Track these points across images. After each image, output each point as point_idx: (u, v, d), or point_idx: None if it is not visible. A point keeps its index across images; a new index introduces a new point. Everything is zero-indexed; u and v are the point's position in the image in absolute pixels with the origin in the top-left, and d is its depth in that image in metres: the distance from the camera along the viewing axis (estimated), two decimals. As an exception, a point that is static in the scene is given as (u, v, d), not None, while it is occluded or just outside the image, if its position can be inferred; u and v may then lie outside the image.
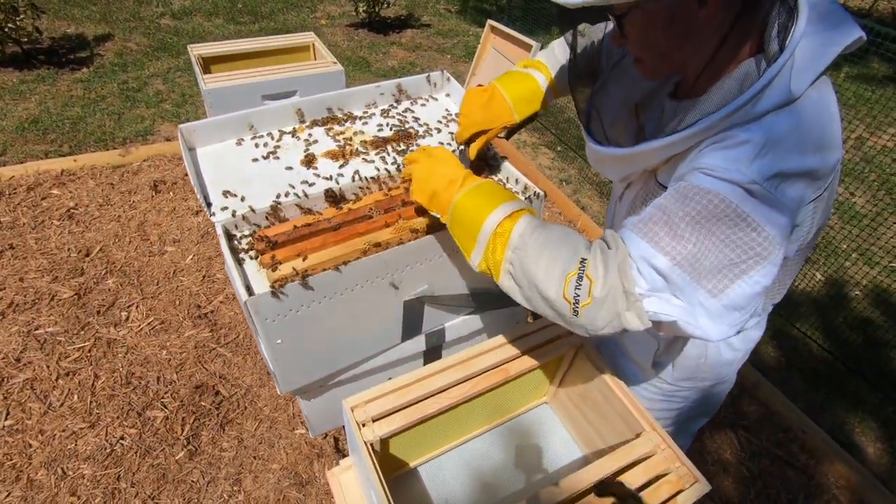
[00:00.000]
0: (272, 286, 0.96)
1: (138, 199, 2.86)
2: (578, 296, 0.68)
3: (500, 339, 1.09)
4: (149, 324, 2.23)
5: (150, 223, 2.71)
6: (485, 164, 1.30)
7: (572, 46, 0.88)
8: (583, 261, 0.69)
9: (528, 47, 3.39)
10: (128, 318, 2.25)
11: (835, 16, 0.72)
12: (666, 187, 0.83)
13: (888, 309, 2.73)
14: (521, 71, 1.13)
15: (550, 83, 1.12)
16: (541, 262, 0.71)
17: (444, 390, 1.12)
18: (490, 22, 3.69)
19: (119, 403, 1.94)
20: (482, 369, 1.16)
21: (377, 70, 4.41)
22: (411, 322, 1.23)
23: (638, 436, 1.02)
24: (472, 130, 1.11)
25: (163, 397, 1.98)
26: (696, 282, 0.65)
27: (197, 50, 2.35)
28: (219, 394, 2.02)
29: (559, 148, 3.77)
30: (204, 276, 2.47)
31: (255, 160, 1.20)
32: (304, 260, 1.02)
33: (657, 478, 0.96)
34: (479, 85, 1.17)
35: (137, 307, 2.30)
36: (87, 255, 2.50)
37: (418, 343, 1.30)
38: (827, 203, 0.77)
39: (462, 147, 1.16)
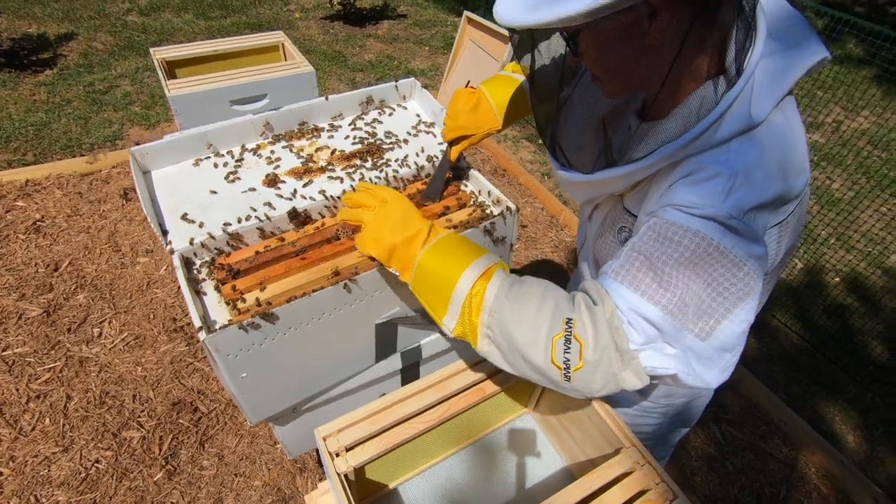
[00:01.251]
0: (234, 321, 0.92)
1: (108, 208, 2.77)
2: (569, 360, 0.63)
3: (476, 356, 1.07)
4: (122, 340, 2.17)
5: (121, 233, 2.63)
6: (459, 172, 1.26)
7: (530, 68, 0.84)
8: (568, 321, 0.64)
9: (506, 39, 3.33)
10: (100, 335, 2.19)
11: (799, 32, 0.69)
12: (632, 213, 0.81)
13: (865, 294, 2.76)
14: (510, 76, 1.11)
15: None
16: (522, 325, 0.66)
17: (418, 414, 1.10)
18: (467, 14, 3.62)
19: (93, 425, 1.89)
20: (457, 390, 1.13)
21: (354, 64, 4.32)
22: (385, 343, 1.20)
23: (618, 451, 1.01)
24: (457, 134, 1.10)
25: (139, 416, 1.94)
26: (684, 327, 0.62)
27: (160, 54, 2.26)
28: (197, 410, 1.97)
29: (540, 141, 3.73)
30: (179, 288, 2.40)
31: (215, 182, 1.15)
32: (265, 290, 0.98)
33: (637, 495, 0.96)
34: (469, 85, 1.17)
35: (110, 323, 2.23)
36: (56, 270, 2.42)
37: (394, 362, 1.27)
38: (794, 227, 0.74)
39: (446, 146, 1.16)
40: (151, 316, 2.27)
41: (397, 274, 0.80)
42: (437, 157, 1.25)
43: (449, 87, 3.76)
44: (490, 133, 1.11)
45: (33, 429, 1.87)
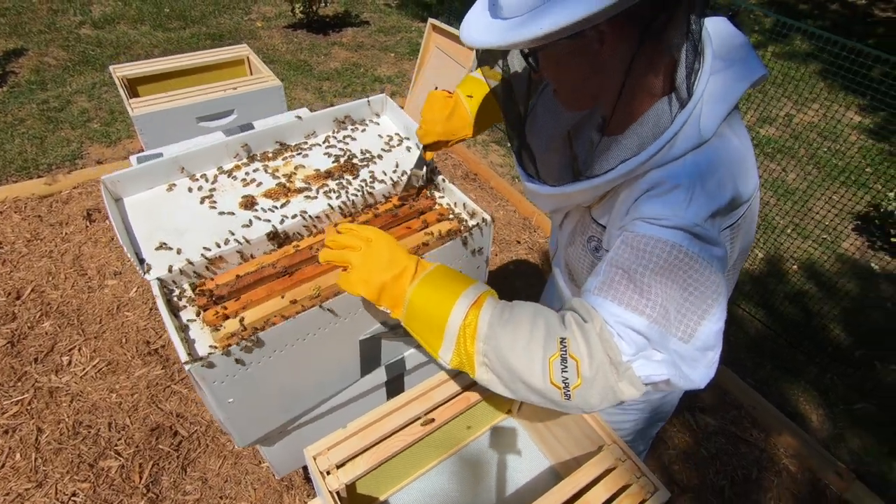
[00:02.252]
0: (218, 347, 0.92)
1: (71, 230, 2.68)
2: (567, 378, 0.65)
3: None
4: (94, 366, 2.11)
5: (86, 256, 2.55)
6: (433, 186, 1.29)
7: (500, 82, 0.88)
8: (562, 340, 0.66)
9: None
10: (70, 363, 2.12)
11: (742, 51, 0.75)
12: (599, 223, 0.85)
13: (820, 279, 2.92)
14: (481, 79, 1.13)
15: None
16: (517, 349, 0.67)
17: (406, 426, 1.12)
18: (431, 21, 3.65)
19: (68, 457, 1.83)
20: (443, 400, 1.15)
21: (320, 73, 4.29)
22: (369, 358, 1.21)
23: (600, 449, 1.05)
24: (432, 139, 1.13)
25: (116, 445, 1.89)
26: (668, 332, 0.66)
27: (120, 71, 2.21)
28: (177, 434, 1.94)
29: (509, 145, 3.79)
30: (151, 309, 2.35)
31: (190, 206, 1.14)
32: (249, 313, 0.98)
33: (621, 490, 1.00)
34: (446, 91, 1.18)
35: (80, 350, 2.16)
36: (19, 298, 2.33)
37: (379, 375, 1.29)
38: (746, 229, 0.80)
39: (422, 148, 1.18)
40: (123, 340, 2.21)
41: (388, 311, 0.80)
42: (411, 172, 1.27)
43: (417, 94, 3.78)
44: (464, 139, 1.14)
45: (3, 465, 1.80)
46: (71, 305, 2.32)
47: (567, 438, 1.14)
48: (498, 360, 0.69)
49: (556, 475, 1.19)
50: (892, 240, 3.03)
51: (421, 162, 1.20)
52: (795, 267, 3.01)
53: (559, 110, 0.89)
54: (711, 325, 0.67)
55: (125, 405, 2.00)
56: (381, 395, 1.39)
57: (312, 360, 1.06)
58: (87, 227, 2.70)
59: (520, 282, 2.73)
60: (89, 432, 1.91)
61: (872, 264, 3.04)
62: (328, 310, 0.97)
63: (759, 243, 3.10)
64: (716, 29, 0.78)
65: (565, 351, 0.65)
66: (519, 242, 2.96)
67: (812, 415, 2.28)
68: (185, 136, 1.79)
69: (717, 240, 0.69)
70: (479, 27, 0.70)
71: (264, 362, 0.97)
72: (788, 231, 3.15)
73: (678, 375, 0.67)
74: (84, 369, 2.10)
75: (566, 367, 0.65)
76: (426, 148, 1.16)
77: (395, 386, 1.37)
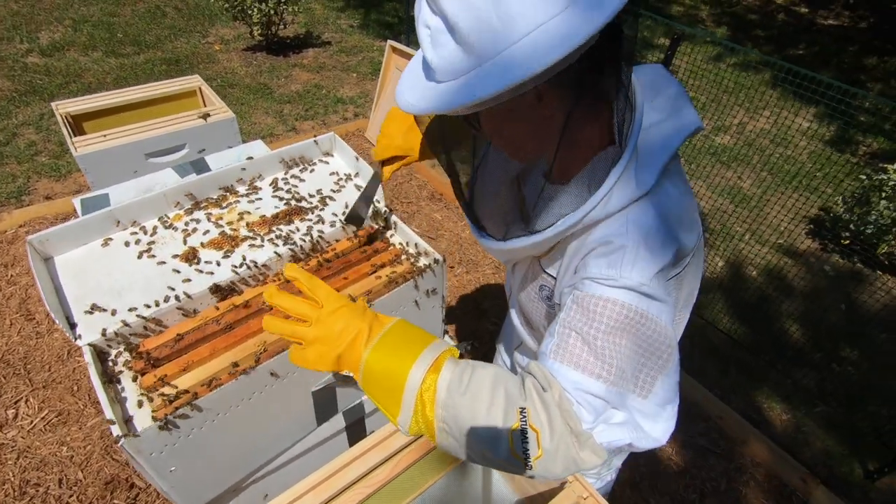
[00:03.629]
0: (157, 416, 0.87)
1: (17, 272, 2.55)
2: (527, 450, 0.63)
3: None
4: (43, 418, 2.00)
5: (33, 299, 2.43)
6: (386, 226, 1.27)
7: (436, 141, 0.87)
8: (522, 410, 0.64)
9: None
10: (16, 416, 2.00)
11: (678, 103, 0.76)
12: (549, 273, 0.85)
13: (778, 284, 3.01)
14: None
15: None
16: (478, 418, 0.65)
17: (365, 475, 1.09)
18: (390, 43, 3.66)
19: (15, 520, 1.73)
20: (403, 445, 1.13)
21: (280, 96, 4.23)
22: (324, 407, 1.18)
23: (563, 486, 1.05)
24: (391, 153, 1.09)
25: (68, 502, 1.78)
26: (626, 391, 0.66)
27: (63, 108, 2.13)
28: (133, 486, 1.85)
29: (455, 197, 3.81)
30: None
31: (127, 263, 1.09)
32: (191, 376, 0.94)
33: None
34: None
35: (27, 401, 2.05)
36: (-41, 348, 2.20)
37: (337, 422, 1.25)
38: (693, 275, 0.81)
39: (377, 165, 1.11)
40: (75, 388, 2.11)
41: (351, 375, 0.75)
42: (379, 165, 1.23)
43: (378, 115, 3.77)
44: (411, 162, 1.10)
45: (-58, 535, 1.68)
46: (17, 353, 2.20)
47: (531, 476, 1.13)
48: (457, 429, 0.66)
49: (520, 516, 1.17)
50: (843, 242, 3.15)
51: (374, 185, 1.11)
52: (754, 273, 3.09)
53: (500, 165, 0.89)
54: (668, 379, 0.68)
55: (77, 458, 1.90)
56: (342, 440, 1.35)
57: (262, 418, 1.03)
58: (34, 267, 2.58)
59: (487, 302, 2.72)
60: (38, 491, 1.80)
61: (826, 267, 3.15)
62: (271, 373, 0.93)
63: (718, 251, 3.18)
64: (651, 77, 0.79)
65: (525, 421, 0.63)
66: (486, 263, 2.96)
67: (776, 420, 2.33)
68: (134, 174, 1.74)
69: (664, 296, 0.69)
70: (413, 92, 0.69)
71: (208, 427, 0.93)
72: (746, 238, 3.24)
73: (639, 437, 0.67)
74: (32, 422, 1.98)
75: (526, 438, 0.63)
76: (383, 163, 1.10)
77: (356, 431, 1.34)
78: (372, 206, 1.16)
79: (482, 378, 0.68)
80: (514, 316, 1.13)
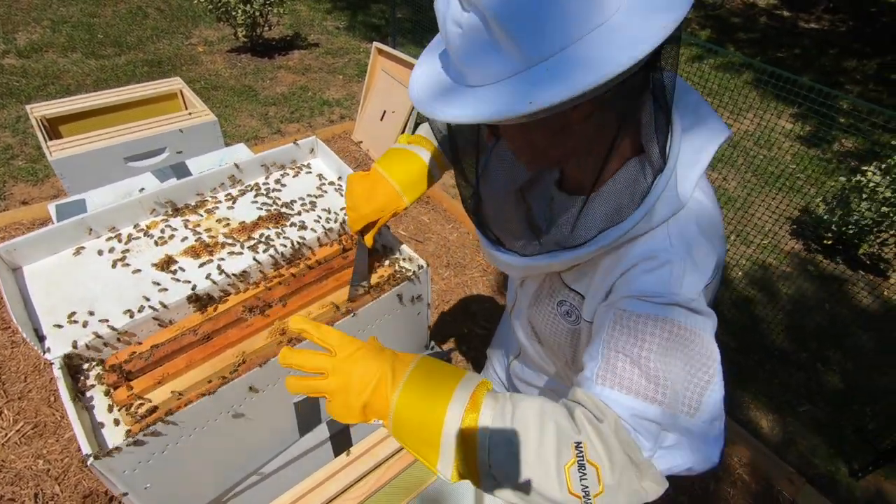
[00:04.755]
0: (128, 434, 0.84)
1: (-8, 280, 2.48)
2: (587, 487, 0.58)
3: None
4: (18, 431, 1.94)
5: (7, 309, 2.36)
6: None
7: (451, 150, 0.83)
8: (578, 445, 0.60)
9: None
10: (-9, 429, 1.94)
11: (704, 111, 0.73)
12: (575, 290, 0.80)
13: (763, 284, 3.03)
14: (404, 149, 1.04)
15: (436, 158, 1.03)
16: (528, 459, 0.60)
17: (350, 487, 1.07)
18: (376, 45, 3.63)
19: (-12, 537, 1.67)
20: (388, 455, 1.11)
21: (265, 98, 4.18)
22: (307, 417, 1.15)
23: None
24: (364, 223, 1.01)
25: (44, 518, 1.73)
26: (678, 412, 0.63)
27: (38, 111, 2.07)
28: (113, 499, 1.79)
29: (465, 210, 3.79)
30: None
31: (100, 272, 1.05)
32: (165, 389, 0.91)
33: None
34: (384, 116, 1.10)
35: (1, 413, 1.98)
36: (-70, 360, 2.12)
37: (321, 432, 1.23)
38: (715, 285, 0.78)
39: (358, 238, 1.07)
40: (52, 399, 2.05)
41: (381, 423, 0.69)
42: (345, 217, 1.23)
43: (365, 117, 3.74)
44: (397, 212, 1.02)
45: (-90, 554, 1.62)
46: (-8, 364, 2.14)
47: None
48: (505, 473, 0.62)
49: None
50: (825, 242, 3.19)
51: (363, 250, 1.09)
52: (740, 273, 3.12)
53: (526, 178, 0.84)
54: (715, 395, 0.65)
55: (54, 472, 1.84)
56: (326, 450, 1.32)
57: (242, 431, 1.00)
58: (10, 275, 2.51)
59: (475, 306, 2.70)
60: (12, 507, 1.74)
61: (809, 267, 3.19)
62: (250, 387, 0.90)
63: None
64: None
65: (582, 457, 0.59)
66: (474, 266, 2.95)
67: (762, 420, 2.34)
68: (112, 179, 1.69)
69: (709, 309, 0.67)
70: (446, 99, 0.62)
71: (184, 442, 0.90)
72: (732, 238, 3.26)
73: (695, 460, 0.63)
74: (7, 434, 1.92)
75: (585, 474, 0.58)
76: (361, 234, 1.04)
77: (341, 440, 1.31)
78: (369, 267, 1.12)
79: (527, 413, 0.62)
80: (518, 328, 1.07)
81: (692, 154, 0.70)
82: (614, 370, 0.64)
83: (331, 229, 1.21)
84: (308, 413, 1.14)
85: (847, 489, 2.11)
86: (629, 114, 0.65)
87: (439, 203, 3.36)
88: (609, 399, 0.62)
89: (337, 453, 1.31)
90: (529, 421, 0.61)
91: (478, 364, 2.42)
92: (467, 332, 2.57)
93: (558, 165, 0.76)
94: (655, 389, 0.62)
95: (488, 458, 0.61)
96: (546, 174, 0.84)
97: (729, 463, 2.15)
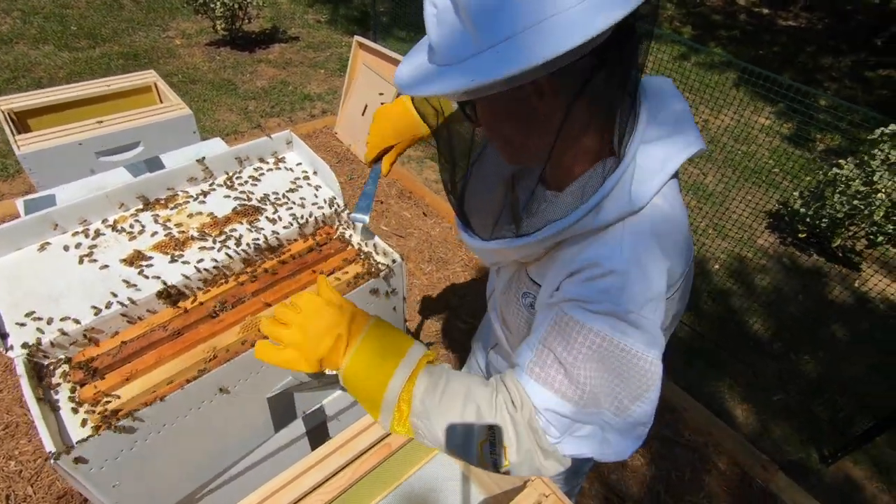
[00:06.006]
0: (94, 431, 0.83)
1: (-39, 278, 2.41)
2: (496, 460, 0.68)
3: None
4: (-11, 432, 1.90)
5: (-21, 306, 2.30)
6: (345, 225, 1.24)
7: (432, 129, 0.86)
8: (491, 427, 0.68)
9: (396, 63, 3.35)
10: (-40, 431, 1.89)
11: (682, 122, 0.73)
12: (534, 281, 0.82)
13: (739, 277, 3.09)
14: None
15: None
16: (448, 431, 0.70)
17: (325, 481, 1.06)
18: (357, 39, 3.60)
19: (-43, 541, 1.63)
20: (363, 449, 1.11)
21: (245, 92, 4.12)
22: (282, 413, 1.14)
23: (525, 484, 1.05)
24: (382, 147, 1.06)
25: (16, 520, 1.70)
26: (598, 410, 0.67)
27: (6, 104, 2.02)
28: (87, 501, 1.76)
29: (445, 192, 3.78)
30: (57, 361, 2.15)
31: (66, 268, 1.03)
32: (133, 386, 0.90)
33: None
34: (385, 102, 1.13)
35: (-28, 415, 1.94)
36: None
37: (297, 428, 1.22)
38: (680, 297, 0.79)
39: (373, 166, 1.10)
40: (23, 398, 2.00)
41: (334, 376, 0.78)
42: (319, 212, 1.22)
43: (347, 111, 3.71)
44: (415, 139, 1.07)
45: None
46: (-39, 364, 2.08)
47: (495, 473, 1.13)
48: (430, 435, 0.71)
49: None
50: (800, 236, 3.26)
51: (375, 179, 1.09)
52: (717, 266, 3.17)
53: (497, 163, 0.86)
54: (644, 407, 0.66)
55: (26, 473, 1.81)
56: (304, 444, 1.32)
57: (214, 427, 0.99)
58: (-20, 273, 2.44)
59: (457, 300, 2.71)
60: (-17, 509, 1.71)
61: (784, 260, 3.26)
62: (221, 391, 0.89)
63: (683, 246, 3.24)
64: (658, 90, 0.76)
65: (493, 438, 0.68)
66: (456, 261, 2.95)
67: (737, 409, 2.39)
68: (84, 174, 1.65)
69: (654, 325, 0.67)
70: (413, 73, 0.68)
71: (153, 438, 0.89)
72: (709, 232, 3.32)
73: (603, 452, 0.68)
74: (-23, 436, 1.88)
75: (494, 451, 0.68)
76: (375, 161, 1.08)
77: (318, 435, 1.31)
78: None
79: (455, 392, 0.71)
80: (493, 318, 1.09)
81: (658, 162, 0.70)
82: (543, 365, 0.69)
83: (305, 224, 1.20)
84: (282, 408, 1.13)
85: (817, 476, 2.17)
86: (584, 109, 0.66)
87: (422, 198, 3.35)
88: (532, 392, 0.68)
89: (314, 448, 1.31)
90: (456, 400, 0.70)
91: (460, 357, 2.43)
92: (450, 327, 2.58)
93: (528, 158, 0.77)
94: (575, 391, 0.66)
95: (417, 422, 0.71)
96: (510, 166, 0.86)
97: (704, 452, 2.19)
